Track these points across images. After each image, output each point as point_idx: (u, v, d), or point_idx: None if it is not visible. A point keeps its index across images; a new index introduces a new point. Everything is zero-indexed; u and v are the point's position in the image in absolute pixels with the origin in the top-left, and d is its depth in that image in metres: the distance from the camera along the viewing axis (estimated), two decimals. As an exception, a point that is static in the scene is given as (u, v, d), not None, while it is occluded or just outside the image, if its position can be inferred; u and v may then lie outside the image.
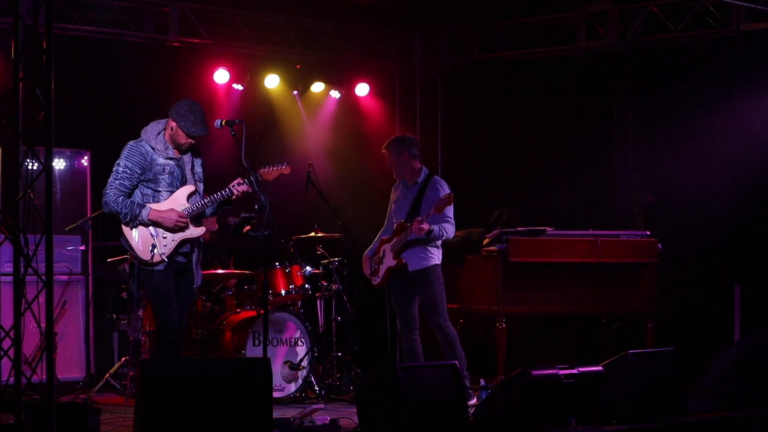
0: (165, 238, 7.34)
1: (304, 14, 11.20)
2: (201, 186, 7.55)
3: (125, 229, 7.38)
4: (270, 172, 7.64)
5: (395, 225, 8.77)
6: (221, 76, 11.03)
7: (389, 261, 8.68)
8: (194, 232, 7.45)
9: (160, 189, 7.38)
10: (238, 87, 11.22)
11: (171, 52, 10.69)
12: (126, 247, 7.44)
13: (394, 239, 8.67)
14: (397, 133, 12.26)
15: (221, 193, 7.47)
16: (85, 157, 9.99)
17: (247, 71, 11.22)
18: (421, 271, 8.60)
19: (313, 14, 11.22)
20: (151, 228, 7.33)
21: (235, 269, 9.83)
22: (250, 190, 7.49)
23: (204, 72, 10.97)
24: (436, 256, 8.65)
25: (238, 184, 7.47)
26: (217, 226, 9.40)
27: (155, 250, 7.29)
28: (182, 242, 7.40)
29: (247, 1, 10.79)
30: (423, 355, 8.81)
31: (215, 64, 10.99)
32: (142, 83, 10.36)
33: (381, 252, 8.80)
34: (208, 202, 7.47)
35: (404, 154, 8.79)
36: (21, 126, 6.33)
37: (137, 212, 7.28)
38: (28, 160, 6.42)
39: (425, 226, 8.41)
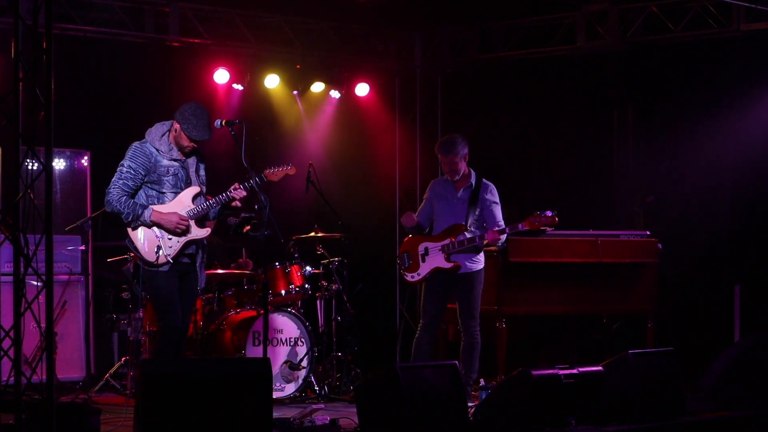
0: (170, 239, 7.34)
1: (304, 14, 11.20)
2: (204, 189, 7.55)
3: (130, 230, 7.38)
4: (275, 173, 7.64)
5: (445, 225, 8.70)
6: (221, 76, 11.03)
7: (440, 261, 8.61)
8: (199, 233, 7.46)
9: (164, 190, 7.38)
10: (238, 87, 11.22)
11: (171, 52, 10.68)
12: (131, 248, 7.43)
13: (447, 240, 8.62)
14: (397, 132, 12.30)
15: (222, 197, 7.47)
16: (85, 157, 9.98)
17: (247, 71, 11.22)
18: (469, 274, 8.63)
19: (313, 14, 11.22)
20: (155, 229, 7.33)
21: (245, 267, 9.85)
22: (246, 194, 7.49)
23: (204, 72, 10.97)
24: (482, 260, 8.71)
25: (235, 189, 7.47)
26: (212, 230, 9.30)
27: (160, 252, 7.29)
28: (187, 243, 7.41)
29: (247, 1, 10.79)
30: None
31: (215, 64, 10.99)
32: (142, 83, 10.36)
33: (421, 249, 8.72)
34: (214, 203, 7.47)
35: (466, 155, 8.76)
36: (21, 126, 6.32)
37: (139, 212, 7.29)
38: (28, 160, 6.41)
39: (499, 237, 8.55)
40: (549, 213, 8.60)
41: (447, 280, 8.65)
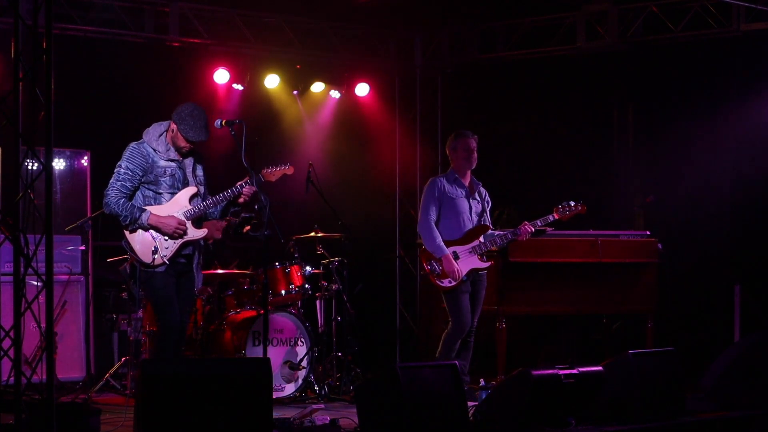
0: (166, 240, 7.34)
1: (304, 14, 11.20)
2: (202, 189, 7.54)
3: (127, 231, 7.37)
4: (273, 173, 7.64)
5: (462, 225, 8.73)
6: (221, 76, 11.03)
7: (475, 262, 8.64)
8: (195, 234, 7.45)
9: (161, 191, 7.38)
10: (238, 87, 11.22)
11: (171, 52, 10.68)
12: (127, 249, 7.44)
13: (475, 241, 8.66)
14: (398, 132, 12.30)
15: (226, 193, 7.46)
16: (85, 157, 9.98)
17: (247, 71, 11.22)
18: (485, 273, 8.76)
19: (313, 14, 11.22)
20: (152, 230, 7.33)
21: (239, 269, 9.83)
22: (255, 190, 7.49)
23: (204, 72, 10.97)
24: None
25: (246, 183, 7.46)
26: (220, 235, 9.26)
27: (157, 254, 7.29)
28: (184, 245, 7.41)
29: (247, 1, 10.79)
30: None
31: (215, 64, 10.99)
32: (142, 83, 10.35)
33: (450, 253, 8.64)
34: (211, 203, 7.46)
35: None
36: (21, 126, 6.32)
37: (137, 215, 7.29)
38: (28, 160, 6.41)
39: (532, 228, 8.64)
40: (573, 203, 8.67)
41: (473, 281, 8.69)
